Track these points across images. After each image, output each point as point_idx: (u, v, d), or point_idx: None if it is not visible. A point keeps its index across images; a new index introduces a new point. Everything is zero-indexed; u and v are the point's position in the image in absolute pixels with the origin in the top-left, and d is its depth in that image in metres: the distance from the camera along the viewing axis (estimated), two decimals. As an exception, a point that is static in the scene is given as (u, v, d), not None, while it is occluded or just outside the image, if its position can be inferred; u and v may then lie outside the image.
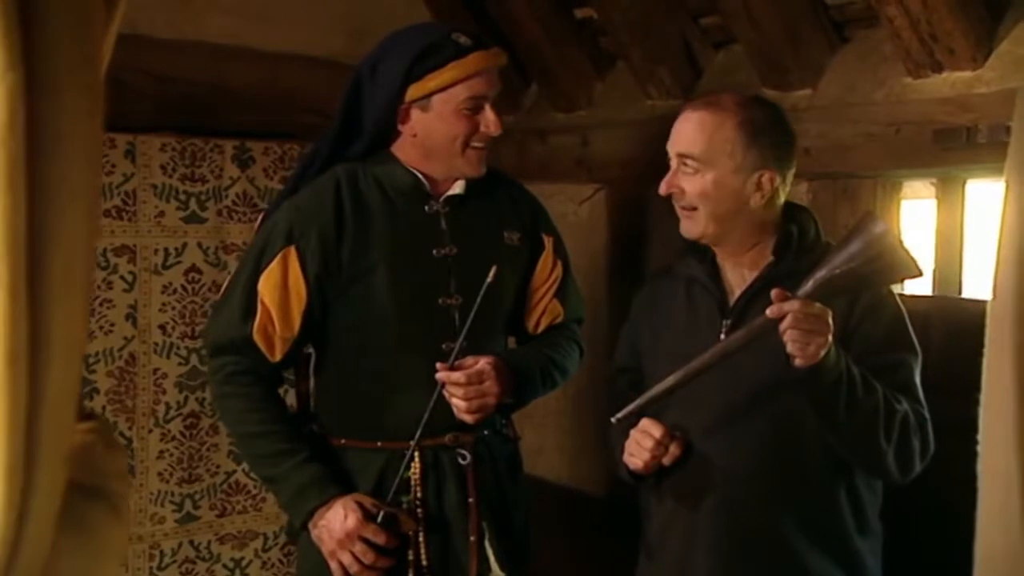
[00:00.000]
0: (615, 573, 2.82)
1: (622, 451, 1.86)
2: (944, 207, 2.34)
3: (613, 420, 1.80)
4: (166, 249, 2.86)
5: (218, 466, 2.98)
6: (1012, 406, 1.27)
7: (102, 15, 0.63)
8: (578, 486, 3.11)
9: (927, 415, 1.78)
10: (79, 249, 0.67)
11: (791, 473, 1.81)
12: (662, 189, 1.86)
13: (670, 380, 1.74)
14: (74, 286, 0.67)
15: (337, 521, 1.87)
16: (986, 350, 1.33)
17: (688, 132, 1.84)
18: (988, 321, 1.32)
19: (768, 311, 1.64)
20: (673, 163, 1.86)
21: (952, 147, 2.16)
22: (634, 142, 2.88)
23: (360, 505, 1.89)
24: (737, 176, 1.82)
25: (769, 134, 1.84)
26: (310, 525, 1.91)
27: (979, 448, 1.35)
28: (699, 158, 1.82)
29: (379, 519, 1.89)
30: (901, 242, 1.66)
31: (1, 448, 0.65)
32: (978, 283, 2.37)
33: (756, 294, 1.83)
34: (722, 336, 1.82)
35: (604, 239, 2.99)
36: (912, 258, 1.66)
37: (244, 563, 3.04)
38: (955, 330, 2.23)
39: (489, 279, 1.85)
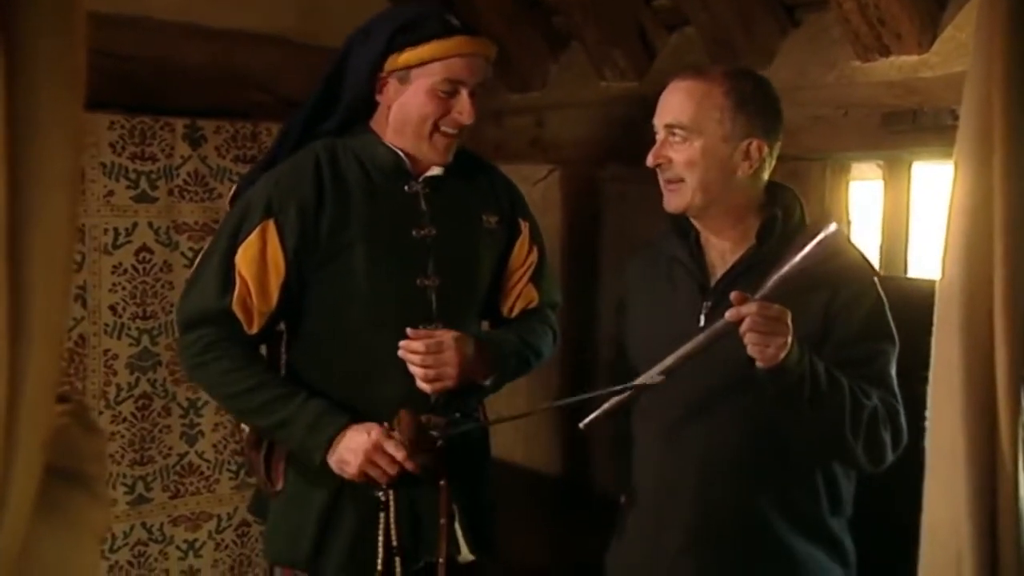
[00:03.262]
0: (572, 552, 2.86)
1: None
2: (891, 188, 2.39)
3: (581, 426, 1.82)
4: (116, 229, 2.82)
5: (170, 448, 2.95)
6: (959, 385, 1.30)
7: (84, 2, 0.63)
8: (533, 465, 3.13)
9: (899, 406, 1.80)
10: (60, 233, 0.67)
11: (769, 457, 1.82)
12: (649, 160, 1.85)
13: (632, 385, 1.76)
14: (55, 270, 0.68)
15: (361, 438, 1.89)
16: (934, 329, 1.37)
17: (676, 101, 1.84)
18: (936, 301, 1.36)
19: (727, 314, 1.66)
20: (660, 134, 1.85)
21: (899, 130, 2.21)
22: (589, 123, 2.90)
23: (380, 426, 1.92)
24: (726, 144, 1.82)
25: (757, 103, 1.85)
26: (328, 455, 1.91)
27: (927, 424, 1.39)
28: (687, 126, 1.82)
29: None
30: (853, 243, 1.69)
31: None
32: (924, 262, 2.43)
33: (737, 277, 1.84)
34: (702, 318, 1.83)
35: (558, 219, 3.01)
36: (865, 258, 1.70)
37: (198, 545, 3.02)
38: (901, 309, 2.29)
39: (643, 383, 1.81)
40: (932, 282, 2.36)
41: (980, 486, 1.30)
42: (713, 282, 1.88)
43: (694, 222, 1.92)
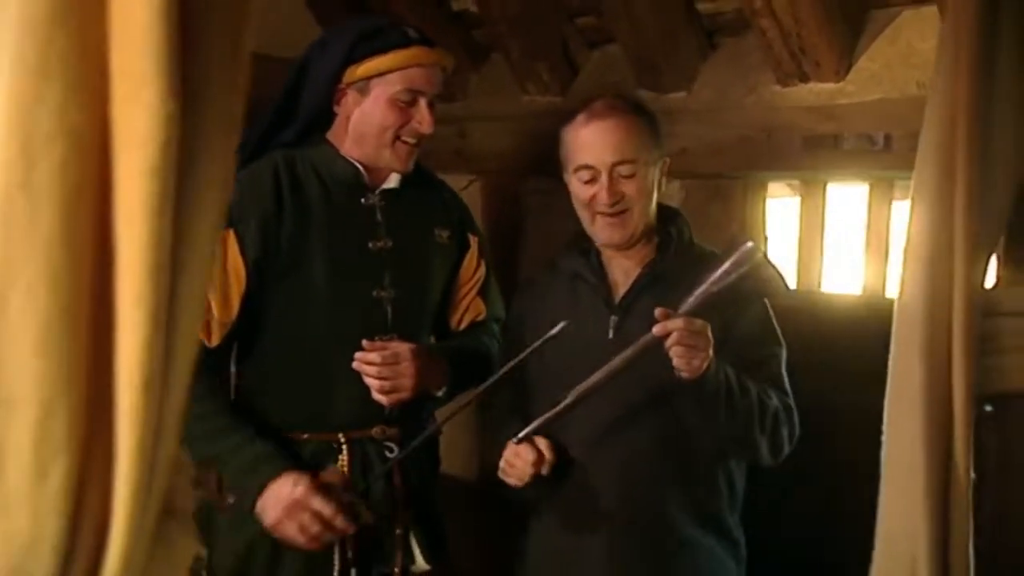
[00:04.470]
0: (491, 557, 2.89)
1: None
2: (807, 207, 2.53)
3: (514, 441, 1.87)
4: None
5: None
6: (919, 399, 1.40)
7: (252, 40, 0.64)
8: (447, 471, 3.14)
9: (792, 403, 1.96)
10: (204, 271, 0.67)
11: (680, 462, 1.94)
12: (606, 199, 1.92)
13: (567, 400, 1.83)
14: (196, 309, 0.68)
15: (285, 489, 1.83)
16: (892, 346, 1.47)
17: (617, 140, 1.92)
18: (895, 318, 1.45)
19: (654, 329, 1.75)
20: (604, 174, 1.92)
21: (820, 153, 2.34)
22: (511, 136, 2.94)
23: (312, 479, 1.86)
24: (654, 167, 1.96)
25: (656, 125, 2.01)
26: (258, 499, 1.86)
27: (884, 437, 1.49)
28: (633, 160, 1.92)
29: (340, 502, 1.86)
30: (768, 259, 1.81)
31: (130, 471, 0.65)
32: (836, 278, 2.59)
33: (641, 292, 1.95)
34: (610, 332, 1.94)
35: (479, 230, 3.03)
36: (780, 273, 1.82)
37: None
38: (815, 322, 2.43)
39: (554, 332, 1.83)
40: (845, 296, 2.53)
41: (937, 496, 1.40)
42: (618, 298, 1.98)
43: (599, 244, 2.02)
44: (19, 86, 0.59)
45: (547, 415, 1.85)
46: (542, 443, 1.87)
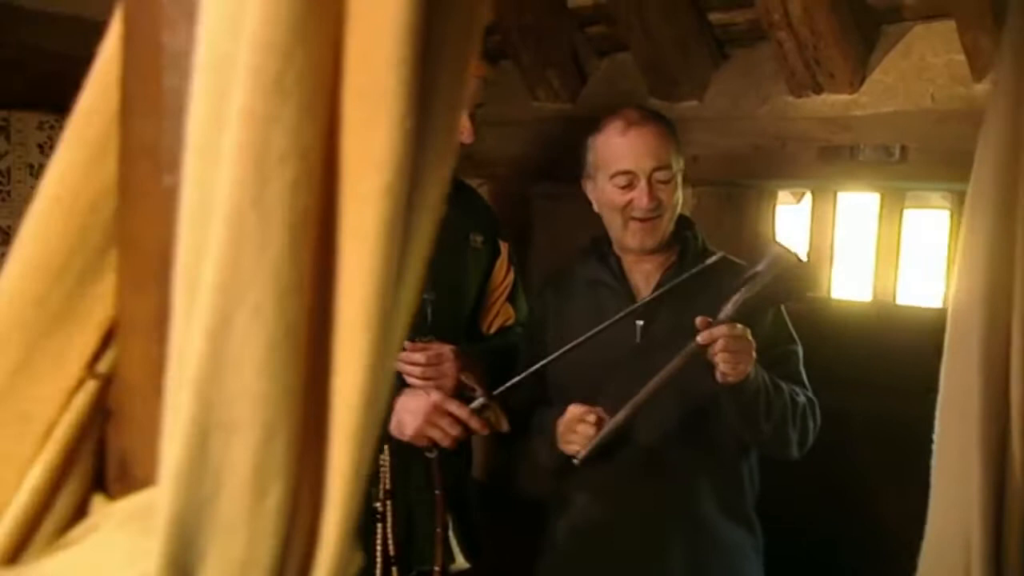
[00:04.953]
0: (507, 556, 2.90)
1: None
2: (817, 214, 2.57)
3: (575, 461, 1.88)
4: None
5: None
6: (976, 408, 1.42)
7: (477, 51, 0.63)
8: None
9: (813, 397, 2.01)
10: (416, 294, 0.67)
11: (706, 453, 1.99)
12: (646, 204, 1.95)
13: (623, 413, 1.86)
14: (404, 328, 0.67)
15: (420, 400, 1.91)
16: (946, 354, 1.49)
17: (655, 145, 1.96)
18: (948, 328, 1.48)
19: (699, 338, 1.79)
20: (643, 180, 1.95)
21: (835, 163, 2.38)
22: (521, 142, 2.95)
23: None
24: (679, 174, 2.01)
25: (676, 133, 2.05)
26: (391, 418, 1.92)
27: (935, 445, 1.51)
28: (670, 166, 1.97)
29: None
30: (801, 260, 1.84)
31: (343, 494, 0.65)
32: (845, 284, 2.63)
33: (665, 295, 1.96)
34: (637, 337, 1.97)
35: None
36: (812, 274, 1.86)
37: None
38: (825, 327, 2.47)
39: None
40: (853, 303, 2.57)
41: (992, 504, 1.43)
42: (641, 302, 2.00)
43: (619, 249, 2.05)
44: (254, 104, 0.58)
45: (607, 428, 1.87)
46: (598, 409, 1.90)
